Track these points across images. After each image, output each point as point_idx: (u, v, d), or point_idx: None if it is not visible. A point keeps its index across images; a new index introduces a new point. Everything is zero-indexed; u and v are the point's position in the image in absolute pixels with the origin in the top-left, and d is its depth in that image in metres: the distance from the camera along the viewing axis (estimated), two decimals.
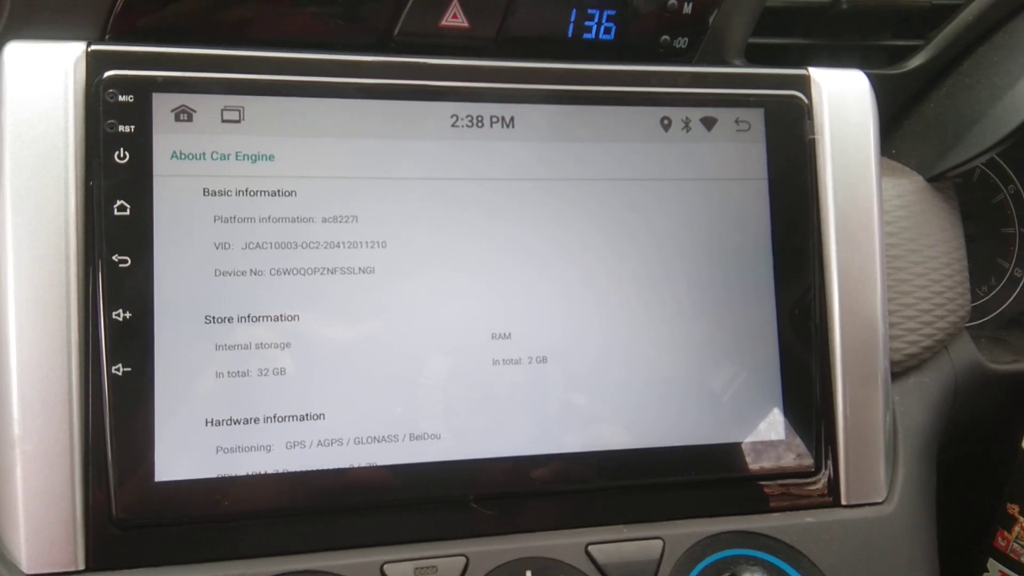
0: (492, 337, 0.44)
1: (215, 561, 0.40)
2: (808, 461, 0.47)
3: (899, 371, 0.53)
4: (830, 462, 0.48)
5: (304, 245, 0.42)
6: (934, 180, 0.58)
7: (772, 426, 0.47)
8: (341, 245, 0.42)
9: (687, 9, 0.50)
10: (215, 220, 0.41)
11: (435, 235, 0.44)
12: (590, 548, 0.43)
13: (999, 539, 0.61)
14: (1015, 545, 0.60)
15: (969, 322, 0.60)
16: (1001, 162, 0.72)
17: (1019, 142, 0.71)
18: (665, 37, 0.50)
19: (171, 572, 0.40)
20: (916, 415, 0.52)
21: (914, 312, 0.54)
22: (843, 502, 0.48)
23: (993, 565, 0.61)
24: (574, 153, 0.46)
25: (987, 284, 0.71)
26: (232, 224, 0.42)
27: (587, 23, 0.50)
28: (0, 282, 0.39)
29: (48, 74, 0.40)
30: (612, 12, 0.50)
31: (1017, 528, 0.60)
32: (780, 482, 0.47)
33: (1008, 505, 0.60)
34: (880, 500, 0.48)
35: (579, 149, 0.46)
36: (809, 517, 0.46)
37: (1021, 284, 0.72)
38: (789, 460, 0.47)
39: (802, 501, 0.47)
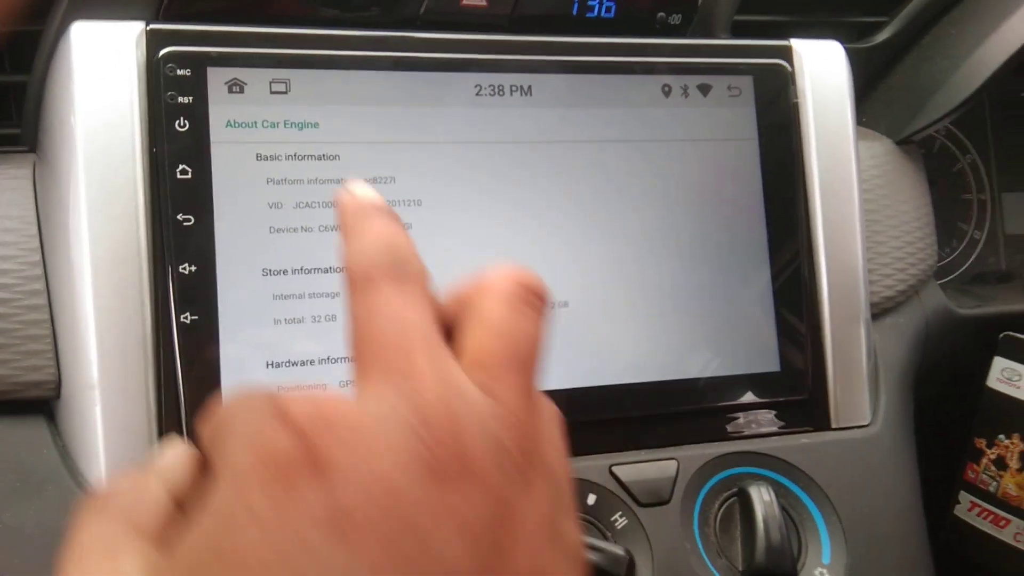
0: None
1: None
2: (801, 390, 0.53)
3: (877, 312, 0.59)
4: (821, 391, 0.53)
5: None
6: (902, 143, 0.64)
7: (769, 360, 0.52)
8: None
9: None
10: (268, 182, 0.46)
11: (464, 193, 0.48)
12: (613, 468, 0.48)
13: (968, 471, 0.67)
14: (983, 476, 0.66)
15: (936, 279, 0.66)
16: (959, 134, 0.78)
17: (975, 113, 0.77)
18: (661, 14, 0.56)
19: None
20: (893, 351, 0.58)
21: (889, 260, 0.60)
22: (833, 425, 0.53)
23: (964, 496, 0.67)
24: (587, 118, 0.51)
25: (949, 246, 0.78)
26: (283, 185, 0.46)
27: (590, 2, 0.55)
28: (77, 240, 0.43)
29: (113, 51, 0.44)
30: None
31: (984, 460, 0.66)
32: (778, 409, 0.52)
33: (976, 440, 0.66)
34: (865, 423, 0.54)
35: (591, 114, 0.51)
36: (804, 439, 0.52)
37: (980, 245, 0.79)
38: (785, 389, 0.52)
39: (797, 426, 0.52)
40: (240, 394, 0.26)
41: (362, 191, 0.31)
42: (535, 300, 0.29)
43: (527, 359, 0.28)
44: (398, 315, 0.27)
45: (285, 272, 0.45)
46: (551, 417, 0.28)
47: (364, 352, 0.27)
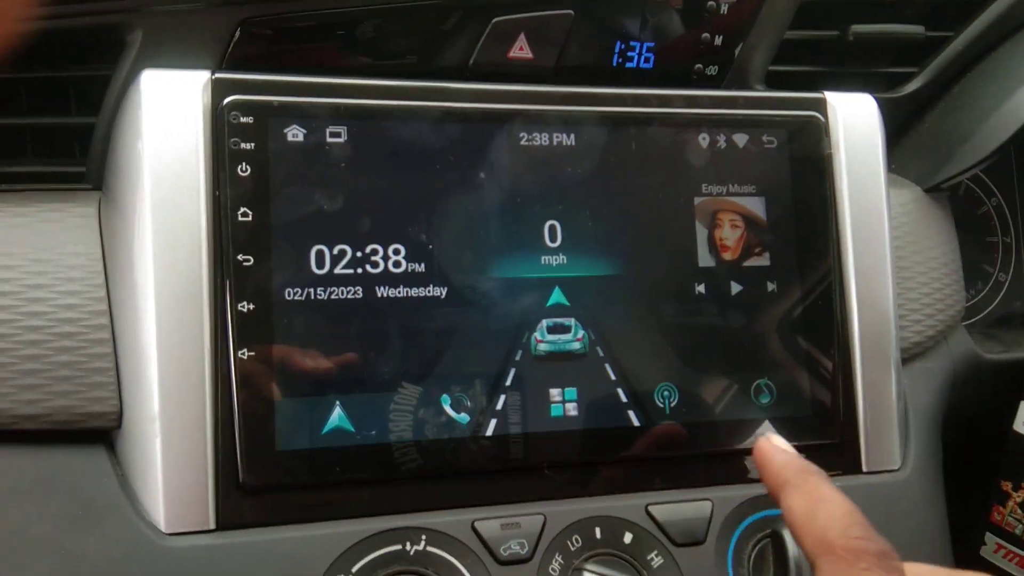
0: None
1: (325, 520, 0.46)
2: (833, 434, 0.54)
3: (906, 357, 0.60)
4: (851, 435, 0.54)
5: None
6: (931, 191, 0.66)
7: (801, 404, 0.54)
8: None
9: (717, 41, 0.57)
10: (322, 227, 0.48)
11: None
12: (650, 508, 0.49)
13: (995, 514, 0.68)
14: (1009, 519, 0.67)
15: (962, 320, 0.67)
16: (984, 177, 0.79)
17: (1001, 158, 0.79)
18: (698, 66, 0.58)
19: (288, 531, 0.45)
20: (922, 396, 0.59)
21: (918, 306, 0.61)
22: (863, 469, 0.54)
23: (990, 538, 0.68)
24: (626, 168, 0.53)
25: (975, 288, 0.79)
26: (335, 230, 0.48)
27: (630, 54, 0.57)
28: (142, 277, 0.45)
29: (180, 99, 0.47)
30: (651, 44, 0.57)
31: (1010, 503, 0.67)
32: (809, 452, 0.53)
33: (1002, 482, 0.67)
34: (896, 468, 0.55)
35: (630, 164, 0.53)
36: (836, 482, 0.53)
37: (1005, 287, 0.80)
38: (816, 433, 0.54)
39: (828, 469, 0.53)
40: None
41: (786, 446, 0.37)
42: None
43: None
44: None
45: (336, 307, 0.47)
46: None
47: None
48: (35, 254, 0.46)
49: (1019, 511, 0.66)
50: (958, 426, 0.64)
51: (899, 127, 0.69)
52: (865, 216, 0.56)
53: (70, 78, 0.51)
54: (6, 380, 0.44)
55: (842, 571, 0.31)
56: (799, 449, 0.53)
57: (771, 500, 0.50)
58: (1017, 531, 0.66)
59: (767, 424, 0.53)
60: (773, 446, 0.37)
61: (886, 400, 0.55)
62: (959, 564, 0.57)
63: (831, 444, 0.54)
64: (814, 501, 0.34)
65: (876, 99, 0.59)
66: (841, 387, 0.54)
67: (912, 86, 0.67)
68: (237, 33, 0.49)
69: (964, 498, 0.68)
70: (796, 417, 0.53)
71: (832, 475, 0.53)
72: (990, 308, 0.79)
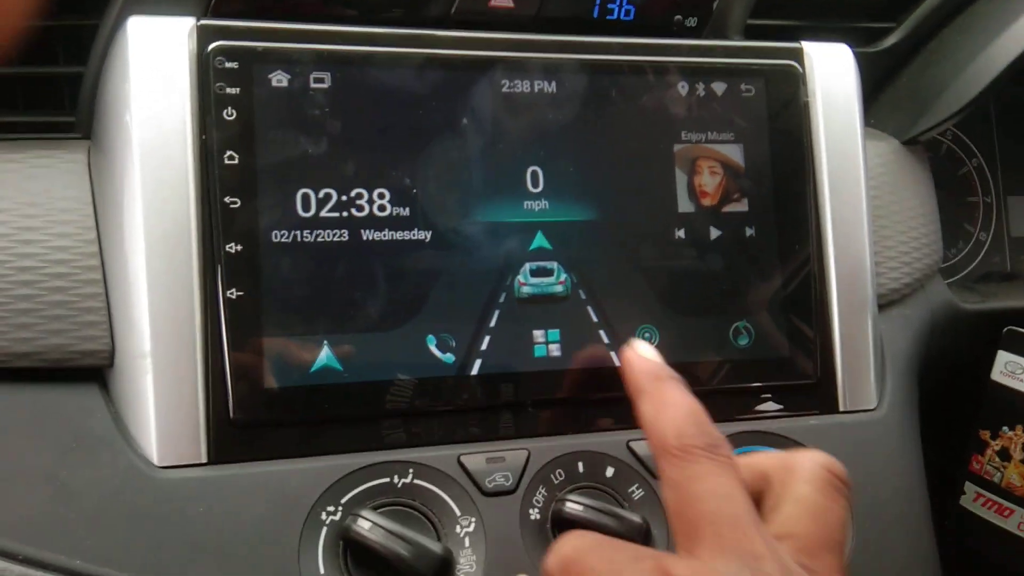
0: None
1: (315, 455, 0.47)
2: (810, 374, 0.55)
3: (884, 303, 0.61)
4: (828, 375, 0.56)
5: None
6: (908, 143, 0.67)
7: (780, 345, 0.55)
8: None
9: None
10: (307, 168, 0.49)
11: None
12: (631, 443, 0.50)
13: (974, 463, 0.69)
14: (988, 467, 0.68)
15: (943, 278, 0.69)
16: (965, 138, 0.81)
17: (981, 118, 0.80)
18: (677, 17, 0.59)
19: (279, 464, 0.46)
20: (899, 341, 0.60)
21: (895, 253, 0.62)
22: (840, 409, 0.56)
23: (970, 487, 0.69)
24: (605, 115, 0.54)
25: (955, 247, 0.80)
26: (321, 171, 0.49)
27: (610, 5, 0.58)
28: (131, 220, 0.46)
29: (166, 45, 0.47)
30: None
31: (989, 452, 0.68)
32: (787, 392, 0.55)
33: (980, 431, 0.68)
34: (872, 407, 0.56)
35: (610, 112, 0.54)
36: (812, 420, 0.54)
37: (986, 246, 0.81)
38: (794, 374, 0.55)
39: (806, 409, 0.55)
40: (607, 546, 0.33)
41: (649, 353, 0.38)
42: (842, 487, 0.34)
43: (840, 541, 0.33)
44: (724, 492, 0.32)
45: (323, 249, 0.48)
46: None
47: (697, 523, 0.32)
48: (26, 198, 0.47)
49: (997, 459, 0.67)
50: (937, 374, 0.65)
51: (877, 82, 0.70)
52: (841, 162, 0.58)
53: (58, 27, 0.51)
54: (1, 319, 0.45)
55: (675, 467, 0.33)
56: (777, 389, 0.55)
57: (749, 437, 0.52)
58: (996, 479, 0.67)
59: (744, 364, 0.54)
60: (636, 355, 0.38)
61: (862, 342, 0.57)
62: (940, 512, 0.58)
63: (809, 384, 0.55)
64: (660, 406, 0.36)
65: (854, 53, 0.60)
66: (818, 329, 0.56)
67: (889, 41, 0.68)
68: None
69: (944, 447, 0.70)
70: (774, 358, 0.55)
71: (810, 414, 0.55)
72: (971, 267, 0.80)
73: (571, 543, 0.34)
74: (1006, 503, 0.66)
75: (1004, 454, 0.66)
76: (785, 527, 0.33)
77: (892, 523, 0.53)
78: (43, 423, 0.45)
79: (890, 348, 0.60)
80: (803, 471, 0.35)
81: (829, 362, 0.56)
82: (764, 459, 0.38)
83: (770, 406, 0.54)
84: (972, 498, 0.69)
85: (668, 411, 0.35)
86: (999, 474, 0.67)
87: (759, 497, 0.36)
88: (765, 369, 0.54)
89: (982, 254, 0.81)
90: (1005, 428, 0.66)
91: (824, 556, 0.32)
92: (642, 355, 0.38)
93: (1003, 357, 0.66)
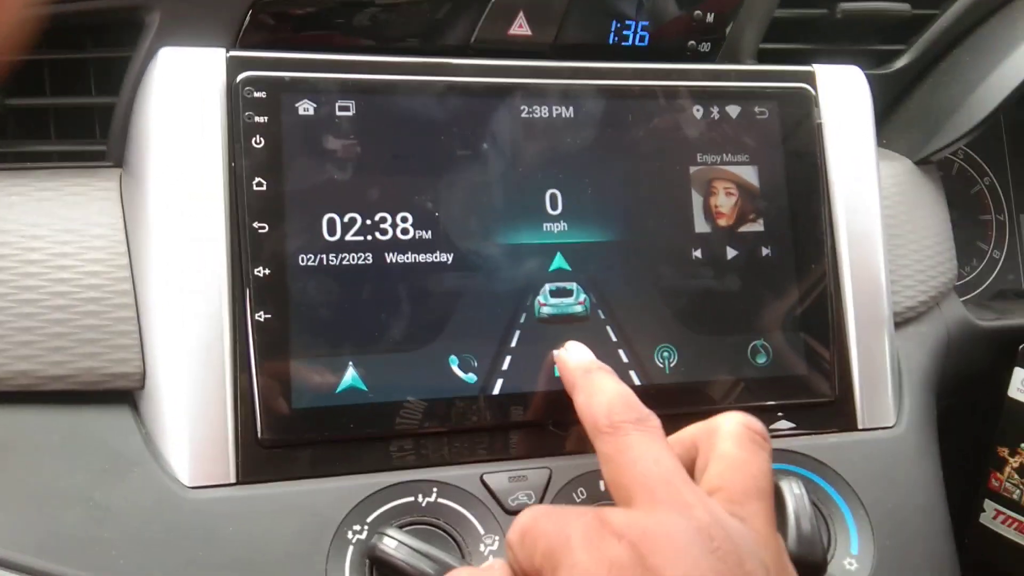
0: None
1: (341, 475, 0.48)
2: (828, 392, 0.56)
3: (900, 321, 0.62)
4: (847, 393, 0.56)
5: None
6: (921, 163, 0.68)
7: (797, 364, 0.56)
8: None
9: (709, 19, 0.59)
10: (334, 195, 0.50)
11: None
12: None
13: (992, 480, 0.69)
14: (1007, 484, 0.68)
15: (958, 296, 0.69)
16: (977, 157, 0.81)
17: (993, 136, 0.81)
18: (691, 42, 0.60)
19: (306, 484, 0.47)
20: (916, 357, 0.61)
21: (910, 272, 0.63)
22: (859, 427, 0.56)
23: (989, 505, 0.69)
24: (623, 138, 0.55)
25: (969, 265, 0.81)
26: (346, 198, 0.50)
27: (625, 32, 0.59)
28: (161, 246, 0.47)
29: (197, 75, 0.49)
30: (646, 23, 0.59)
31: (1007, 469, 0.68)
32: (805, 410, 0.55)
33: (999, 448, 0.68)
34: (890, 424, 0.57)
35: (627, 135, 0.55)
36: (831, 438, 0.55)
37: (1000, 263, 0.81)
38: (812, 392, 0.56)
39: (825, 427, 0.55)
40: (556, 511, 0.35)
41: (580, 351, 0.43)
42: (761, 440, 0.37)
43: (765, 489, 0.36)
44: (653, 456, 0.35)
45: (348, 272, 0.49)
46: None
47: (630, 486, 0.35)
48: (61, 224, 0.49)
49: (1016, 476, 0.67)
50: (954, 392, 0.65)
51: (888, 103, 0.71)
52: (855, 182, 0.58)
53: (91, 60, 0.53)
54: (35, 343, 0.46)
55: (607, 442, 0.36)
56: (796, 407, 0.55)
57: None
58: (1015, 496, 0.67)
59: (763, 383, 0.54)
60: (567, 353, 0.42)
61: (879, 359, 0.57)
62: (958, 530, 0.58)
63: (828, 402, 0.56)
64: (592, 394, 0.39)
65: (865, 75, 0.61)
66: (835, 347, 0.56)
67: (900, 63, 0.69)
68: (249, 15, 0.52)
69: (962, 464, 0.70)
70: (792, 376, 0.55)
71: (829, 432, 0.55)
72: (985, 284, 0.81)
73: (526, 515, 0.36)
74: None
75: (1023, 471, 0.66)
76: (714, 483, 0.36)
77: (912, 540, 0.53)
78: (76, 445, 0.46)
79: (907, 365, 0.60)
80: (724, 431, 0.38)
81: (847, 380, 0.56)
82: (690, 429, 0.41)
83: (788, 424, 0.55)
84: (992, 516, 0.69)
85: (598, 396, 0.38)
86: (1018, 491, 0.67)
87: (691, 464, 0.39)
88: (783, 387, 0.55)
89: (996, 271, 0.81)
90: (1022, 443, 0.66)
91: (751, 503, 0.35)
92: (572, 352, 0.43)
93: (1020, 374, 0.66)
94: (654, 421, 0.37)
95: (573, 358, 0.42)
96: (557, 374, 0.51)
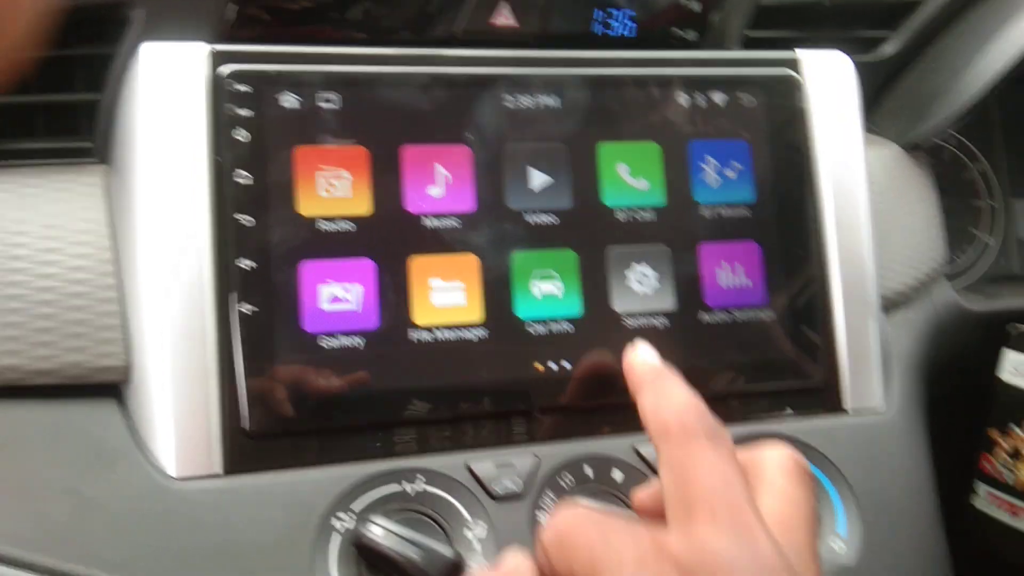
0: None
1: (327, 464, 0.48)
2: (815, 376, 0.56)
3: (889, 306, 0.62)
4: (833, 377, 0.56)
5: None
6: (909, 148, 0.68)
7: (785, 348, 0.56)
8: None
9: (695, 6, 0.59)
10: (317, 188, 0.50)
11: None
12: (638, 447, 0.51)
13: (984, 463, 0.69)
14: (999, 467, 0.68)
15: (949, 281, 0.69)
16: (969, 143, 0.81)
17: (985, 122, 0.80)
18: (676, 30, 0.60)
19: (292, 473, 0.47)
20: (904, 342, 0.61)
21: (899, 256, 0.63)
22: (846, 410, 0.56)
23: (981, 487, 0.69)
24: (613, 120, 0.55)
25: (962, 251, 0.80)
26: (329, 191, 0.50)
27: (610, 21, 0.59)
28: (146, 239, 0.48)
29: (181, 69, 0.49)
30: (631, 12, 0.59)
31: (999, 451, 0.68)
32: (793, 394, 0.55)
33: (990, 431, 0.68)
34: (878, 408, 0.57)
35: (616, 120, 0.55)
36: (818, 421, 0.55)
37: (992, 249, 0.81)
38: (800, 376, 0.56)
39: (814, 411, 0.56)
40: (603, 520, 0.33)
41: (649, 352, 0.41)
42: (807, 477, 0.37)
43: (813, 524, 0.36)
44: (722, 471, 0.34)
45: (330, 266, 0.50)
46: None
47: (692, 501, 0.33)
48: (47, 220, 0.49)
49: (1007, 459, 0.67)
50: (945, 376, 0.65)
51: (876, 90, 0.71)
52: (842, 167, 0.58)
53: (76, 57, 0.53)
54: (21, 338, 0.47)
55: (676, 449, 0.35)
56: (783, 391, 0.55)
57: (758, 439, 0.53)
58: (1007, 479, 0.67)
59: (750, 367, 0.55)
60: (636, 356, 0.40)
61: (867, 344, 0.57)
62: (951, 513, 0.59)
63: (815, 387, 0.56)
64: (660, 398, 0.37)
65: (853, 62, 0.61)
66: (823, 332, 0.56)
67: (887, 49, 0.69)
68: (234, 10, 0.52)
69: (953, 448, 0.70)
70: (780, 361, 0.55)
71: (816, 416, 0.55)
72: (979, 270, 0.80)
73: (567, 517, 0.34)
74: (1019, 503, 0.66)
75: (1015, 453, 0.66)
76: (765, 509, 0.35)
77: (899, 521, 0.53)
78: (62, 438, 0.47)
79: (896, 350, 0.60)
80: (773, 462, 0.37)
81: (834, 364, 0.56)
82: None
83: (776, 409, 0.55)
84: (984, 498, 0.69)
85: (669, 401, 0.36)
86: (1011, 474, 0.67)
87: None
88: (771, 372, 0.55)
89: (989, 256, 0.81)
90: (1014, 427, 0.66)
91: (803, 536, 0.35)
92: (643, 356, 0.40)
93: (1009, 355, 0.66)
94: (727, 437, 0.35)
95: (642, 359, 0.40)
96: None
